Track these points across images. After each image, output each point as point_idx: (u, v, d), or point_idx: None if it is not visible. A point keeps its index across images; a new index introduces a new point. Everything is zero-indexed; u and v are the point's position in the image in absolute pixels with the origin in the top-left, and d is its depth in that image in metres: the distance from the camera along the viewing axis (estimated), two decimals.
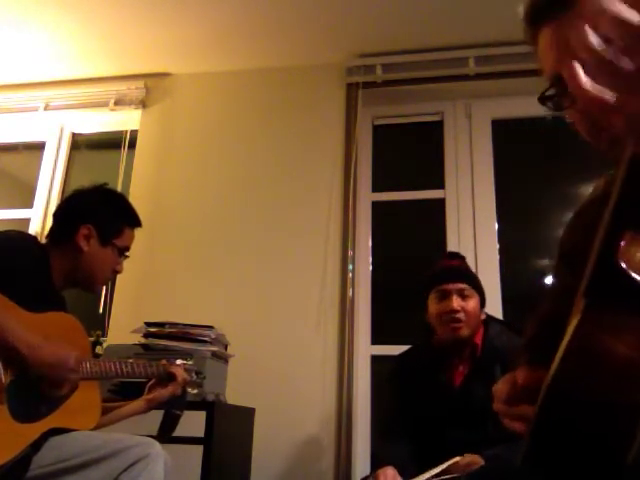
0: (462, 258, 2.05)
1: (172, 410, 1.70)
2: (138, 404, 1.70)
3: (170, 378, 1.71)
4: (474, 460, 1.63)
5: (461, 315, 1.85)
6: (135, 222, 1.76)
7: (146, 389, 1.74)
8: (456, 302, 1.85)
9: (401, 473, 1.69)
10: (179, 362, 1.80)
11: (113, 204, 1.74)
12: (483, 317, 1.94)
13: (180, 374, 1.71)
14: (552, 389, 0.58)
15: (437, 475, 1.60)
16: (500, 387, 0.73)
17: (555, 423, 0.58)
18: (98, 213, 1.67)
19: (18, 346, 1.31)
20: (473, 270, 2.13)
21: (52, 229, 1.69)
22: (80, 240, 1.62)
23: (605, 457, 0.55)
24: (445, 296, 1.88)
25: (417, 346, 2.06)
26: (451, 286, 1.88)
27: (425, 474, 1.62)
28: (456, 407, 1.82)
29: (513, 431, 0.69)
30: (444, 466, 1.61)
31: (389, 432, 1.94)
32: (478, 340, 1.89)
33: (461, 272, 1.94)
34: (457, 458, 1.63)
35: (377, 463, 1.81)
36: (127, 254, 1.75)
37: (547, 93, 0.76)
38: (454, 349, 1.90)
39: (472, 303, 1.88)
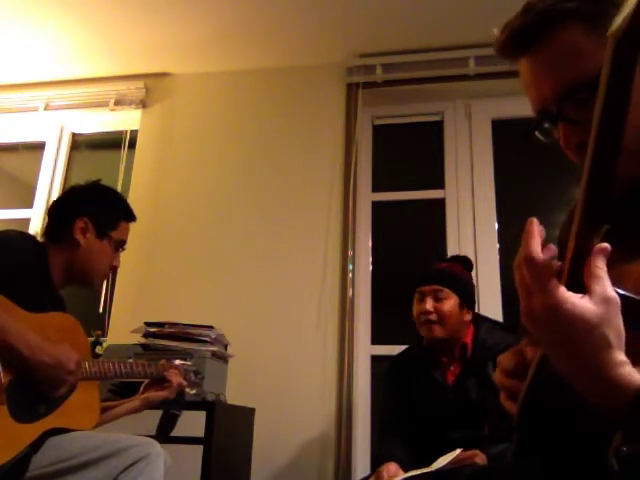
0: (457, 261, 2.07)
1: (170, 410, 1.70)
2: (132, 403, 1.70)
3: (165, 380, 1.71)
4: (475, 454, 1.63)
5: (433, 316, 1.89)
6: (130, 216, 1.76)
7: (141, 388, 1.74)
8: (429, 304, 1.90)
9: (402, 469, 1.70)
10: (178, 362, 1.80)
11: (108, 198, 1.74)
12: (468, 318, 1.95)
13: (175, 379, 1.70)
14: (530, 395, 0.59)
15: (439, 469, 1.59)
16: (506, 358, 0.72)
17: (536, 427, 0.59)
18: (93, 206, 1.67)
19: (19, 347, 1.31)
20: (472, 271, 2.12)
21: (48, 226, 1.69)
22: (77, 233, 1.62)
23: (588, 454, 0.56)
24: (422, 298, 1.93)
25: (411, 347, 2.09)
26: (426, 288, 1.93)
27: (425, 469, 1.62)
28: (450, 406, 1.84)
29: (508, 427, 0.69)
30: (446, 462, 1.60)
31: (387, 433, 1.96)
32: (468, 340, 1.92)
33: (439, 274, 1.97)
34: (458, 451, 1.63)
35: (377, 463, 1.82)
36: (124, 248, 1.75)
37: (538, 123, 0.78)
38: (442, 349, 1.92)
39: (448, 304, 1.90)
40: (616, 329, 0.52)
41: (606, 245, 0.54)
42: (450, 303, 1.90)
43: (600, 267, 0.53)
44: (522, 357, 0.69)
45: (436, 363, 1.94)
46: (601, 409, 0.53)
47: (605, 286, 0.53)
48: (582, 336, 0.51)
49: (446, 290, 1.91)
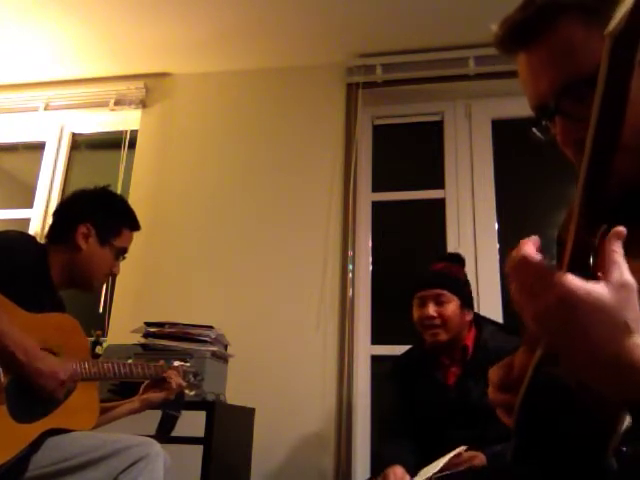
0: (452, 260, 2.06)
1: (169, 411, 1.70)
2: (132, 404, 1.70)
3: (165, 382, 1.71)
4: (476, 455, 1.63)
5: (437, 321, 1.88)
6: (134, 225, 1.76)
7: (141, 389, 1.74)
8: (432, 309, 1.89)
9: (407, 472, 1.70)
10: (177, 364, 1.79)
11: (113, 205, 1.74)
12: (469, 318, 1.95)
13: (174, 380, 1.70)
14: (528, 396, 0.59)
15: (442, 469, 1.60)
16: (495, 372, 0.71)
17: (535, 428, 0.59)
18: (98, 213, 1.68)
19: (15, 352, 1.31)
20: (471, 269, 2.13)
21: (52, 228, 1.69)
22: (79, 238, 1.63)
23: (587, 455, 0.56)
24: (423, 303, 1.92)
25: (413, 348, 2.09)
26: (427, 292, 1.92)
27: (430, 467, 1.62)
28: (451, 406, 1.84)
29: (508, 429, 0.69)
30: (448, 458, 1.60)
31: (391, 432, 1.96)
32: (469, 342, 1.92)
33: (438, 278, 1.95)
34: (462, 448, 1.64)
35: (382, 463, 1.82)
36: (124, 256, 1.75)
37: (536, 120, 0.77)
38: (444, 350, 1.92)
39: (450, 307, 1.89)
40: (635, 314, 0.50)
41: (622, 229, 0.51)
42: (452, 306, 1.89)
43: (617, 251, 0.51)
44: (509, 370, 0.68)
45: (437, 364, 1.94)
46: (620, 399, 0.51)
47: (622, 271, 0.50)
48: (600, 322, 0.49)
49: (447, 293, 1.90)
